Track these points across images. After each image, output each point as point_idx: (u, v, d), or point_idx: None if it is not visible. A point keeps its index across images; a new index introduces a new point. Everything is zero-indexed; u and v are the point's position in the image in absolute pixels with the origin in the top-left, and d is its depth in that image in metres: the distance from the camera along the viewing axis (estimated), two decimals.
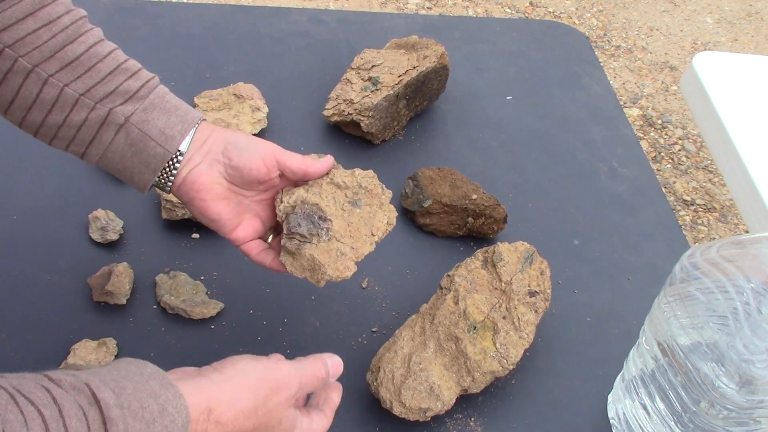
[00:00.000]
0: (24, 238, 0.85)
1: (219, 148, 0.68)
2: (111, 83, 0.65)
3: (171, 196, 0.85)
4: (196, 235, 0.88)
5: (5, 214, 0.87)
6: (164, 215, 0.86)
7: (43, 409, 0.42)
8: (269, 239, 0.73)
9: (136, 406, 0.46)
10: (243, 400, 0.54)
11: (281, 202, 0.70)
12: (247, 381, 0.55)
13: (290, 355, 0.77)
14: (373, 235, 0.70)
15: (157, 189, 0.70)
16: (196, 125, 0.67)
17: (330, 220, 0.69)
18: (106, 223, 0.85)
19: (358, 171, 0.72)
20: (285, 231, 0.69)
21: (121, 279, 0.79)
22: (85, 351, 0.74)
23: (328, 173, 0.72)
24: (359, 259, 0.69)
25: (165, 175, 0.67)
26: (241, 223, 0.70)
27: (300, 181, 0.71)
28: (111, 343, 0.75)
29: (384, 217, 0.71)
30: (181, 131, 0.66)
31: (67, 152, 0.67)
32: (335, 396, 0.65)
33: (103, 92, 0.65)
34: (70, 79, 0.64)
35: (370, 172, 0.72)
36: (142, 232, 0.87)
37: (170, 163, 0.66)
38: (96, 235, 0.84)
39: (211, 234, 0.88)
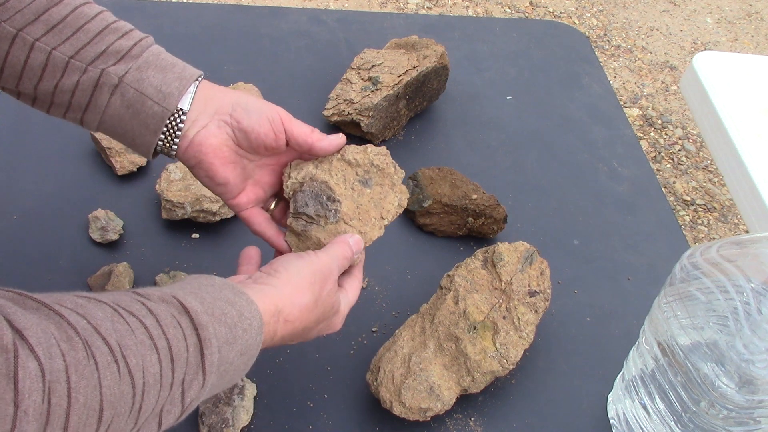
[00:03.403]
0: (24, 238, 0.85)
1: (227, 109, 0.65)
2: (101, 44, 0.63)
3: (171, 196, 0.85)
4: (196, 235, 0.88)
5: (5, 214, 0.87)
6: (164, 215, 0.86)
7: (144, 319, 0.46)
8: (272, 206, 0.71)
9: (218, 313, 0.51)
10: (304, 297, 0.59)
11: (289, 177, 0.68)
12: (302, 280, 0.59)
13: (290, 356, 0.77)
14: (382, 218, 0.68)
15: (162, 154, 0.67)
16: (196, 82, 0.65)
17: (339, 201, 0.67)
18: (106, 223, 0.85)
19: (370, 148, 0.69)
20: (291, 209, 0.67)
21: (121, 279, 0.79)
22: None
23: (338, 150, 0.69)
24: (367, 245, 0.67)
25: (169, 137, 0.64)
26: (245, 189, 0.68)
27: (306, 154, 0.68)
28: None
29: (395, 199, 0.69)
30: (178, 88, 0.63)
31: (65, 119, 0.65)
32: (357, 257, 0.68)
33: (93, 53, 0.62)
34: (57, 42, 0.62)
35: (383, 149, 0.69)
36: (142, 232, 0.87)
37: (173, 123, 0.63)
38: (96, 235, 0.84)
39: (211, 234, 0.88)
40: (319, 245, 0.66)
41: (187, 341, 0.48)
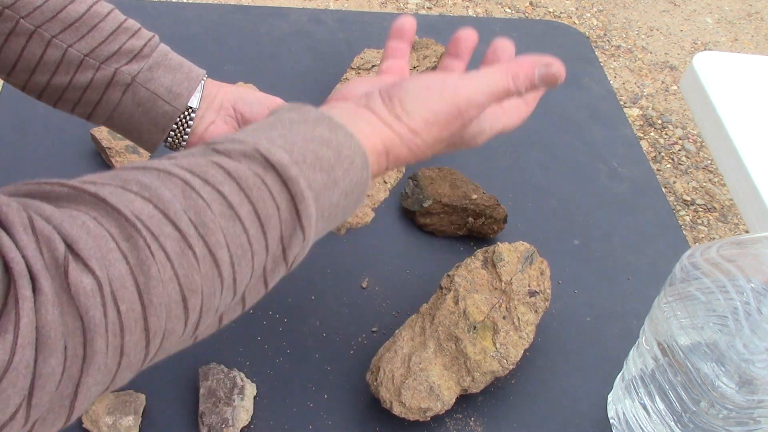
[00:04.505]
0: None
1: (230, 104, 0.69)
2: (114, 43, 0.65)
3: None
4: None
5: None
6: None
7: (221, 187, 0.42)
8: None
9: (311, 158, 0.45)
10: (417, 138, 0.51)
11: None
12: (420, 120, 0.51)
13: (290, 355, 0.77)
14: (385, 182, 0.73)
15: (170, 149, 0.70)
16: (202, 81, 0.68)
17: None
18: None
19: None
20: None
21: None
22: None
23: None
24: (375, 206, 0.72)
25: (179, 134, 0.67)
26: None
27: None
28: None
29: None
30: (188, 88, 0.66)
31: (73, 114, 0.67)
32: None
33: (107, 52, 0.64)
34: (73, 40, 0.63)
35: None
36: None
37: (183, 120, 0.66)
38: None
39: None
40: None
41: (276, 200, 0.43)
